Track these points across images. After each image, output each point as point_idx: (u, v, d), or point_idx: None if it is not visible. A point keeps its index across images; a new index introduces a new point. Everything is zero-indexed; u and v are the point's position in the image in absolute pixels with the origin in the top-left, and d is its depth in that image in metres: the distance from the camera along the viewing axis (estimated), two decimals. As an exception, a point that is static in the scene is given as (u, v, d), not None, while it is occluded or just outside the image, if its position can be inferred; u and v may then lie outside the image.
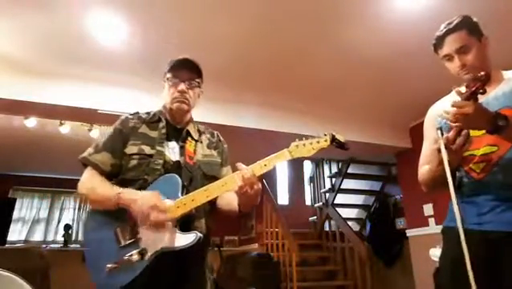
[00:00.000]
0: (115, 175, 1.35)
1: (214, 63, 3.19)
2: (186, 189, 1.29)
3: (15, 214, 6.77)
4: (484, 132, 1.16)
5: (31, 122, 4.25)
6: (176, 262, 1.24)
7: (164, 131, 1.41)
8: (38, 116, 4.13)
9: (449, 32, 1.31)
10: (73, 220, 7.50)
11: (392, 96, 3.87)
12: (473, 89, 1.08)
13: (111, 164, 1.35)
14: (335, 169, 6.51)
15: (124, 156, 1.34)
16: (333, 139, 1.22)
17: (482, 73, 1.10)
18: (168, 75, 1.45)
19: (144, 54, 3.14)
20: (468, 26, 1.31)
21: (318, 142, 1.24)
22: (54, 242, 7.16)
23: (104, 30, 2.80)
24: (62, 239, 6.96)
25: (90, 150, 1.40)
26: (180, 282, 1.27)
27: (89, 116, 3.80)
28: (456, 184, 1.32)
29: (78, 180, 1.37)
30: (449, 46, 1.31)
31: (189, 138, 1.43)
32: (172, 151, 1.37)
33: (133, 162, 1.32)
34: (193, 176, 1.34)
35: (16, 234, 6.92)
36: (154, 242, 1.20)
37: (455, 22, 1.31)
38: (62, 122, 4.42)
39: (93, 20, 2.69)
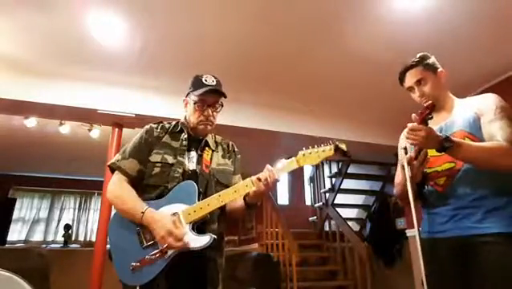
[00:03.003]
0: (140, 180, 1.47)
1: (214, 62, 3.20)
2: (202, 195, 1.41)
3: (15, 214, 6.79)
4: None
5: (31, 122, 4.25)
6: (193, 261, 1.35)
7: (185, 142, 1.53)
8: (38, 116, 4.14)
9: (408, 68, 1.57)
10: (73, 220, 7.52)
11: (392, 96, 3.86)
12: (423, 116, 1.33)
13: (137, 170, 1.47)
14: (335, 169, 6.51)
15: (148, 164, 1.47)
16: (336, 148, 1.32)
17: (429, 102, 1.35)
18: (195, 99, 1.54)
19: (144, 54, 3.14)
20: (423, 63, 1.55)
21: (323, 151, 1.34)
22: (54, 242, 7.18)
23: (104, 30, 2.80)
24: (63, 239, 6.98)
25: (118, 157, 1.52)
26: (196, 280, 1.38)
27: (89, 116, 3.81)
28: (423, 198, 1.55)
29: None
30: (409, 79, 1.57)
31: (207, 148, 1.57)
32: (191, 160, 1.51)
33: (156, 170, 1.45)
34: (208, 183, 1.48)
35: (16, 234, 6.94)
36: None
37: (412, 61, 1.56)
38: (62, 122, 4.42)
39: (93, 20, 2.69)
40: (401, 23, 2.74)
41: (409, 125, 1.35)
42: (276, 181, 1.37)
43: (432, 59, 1.58)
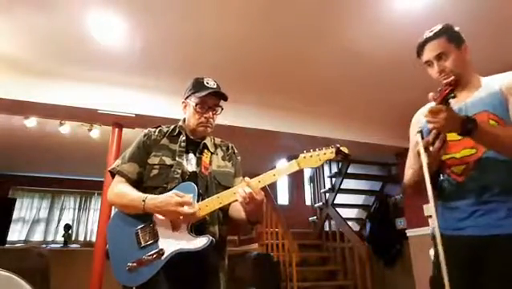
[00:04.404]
0: (140, 183, 1.48)
1: (214, 63, 3.19)
2: (201, 197, 1.40)
3: (15, 214, 6.77)
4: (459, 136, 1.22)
5: (31, 122, 4.25)
6: (192, 263, 1.34)
7: (183, 144, 1.52)
8: (38, 116, 4.14)
9: (428, 40, 1.36)
10: (73, 220, 7.51)
11: (392, 96, 3.87)
12: (445, 94, 1.15)
13: (137, 172, 1.48)
14: (335, 169, 6.50)
15: (147, 166, 1.48)
16: (338, 151, 1.29)
17: (452, 78, 1.17)
18: (196, 101, 1.53)
19: (144, 54, 3.14)
20: (447, 33, 1.35)
21: (324, 154, 1.32)
22: (54, 242, 7.17)
23: (104, 30, 2.80)
24: (62, 239, 6.98)
25: (118, 162, 1.53)
26: (194, 282, 1.37)
27: (89, 116, 3.81)
28: (439, 188, 1.37)
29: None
30: (428, 52, 1.36)
31: (206, 150, 1.55)
32: (189, 162, 1.50)
33: (154, 171, 1.46)
34: (208, 185, 1.46)
35: (16, 233, 6.93)
36: (171, 243, 1.33)
37: (435, 30, 1.36)
38: (62, 122, 4.42)
39: (93, 20, 2.69)
40: (402, 23, 2.73)
41: (429, 108, 1.17)
42: (255, 194, 1.29)
43: (457, 30, 1.38)
